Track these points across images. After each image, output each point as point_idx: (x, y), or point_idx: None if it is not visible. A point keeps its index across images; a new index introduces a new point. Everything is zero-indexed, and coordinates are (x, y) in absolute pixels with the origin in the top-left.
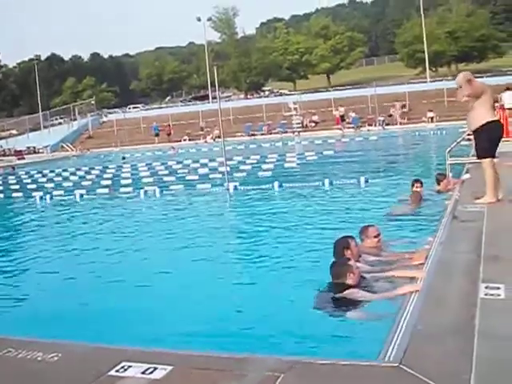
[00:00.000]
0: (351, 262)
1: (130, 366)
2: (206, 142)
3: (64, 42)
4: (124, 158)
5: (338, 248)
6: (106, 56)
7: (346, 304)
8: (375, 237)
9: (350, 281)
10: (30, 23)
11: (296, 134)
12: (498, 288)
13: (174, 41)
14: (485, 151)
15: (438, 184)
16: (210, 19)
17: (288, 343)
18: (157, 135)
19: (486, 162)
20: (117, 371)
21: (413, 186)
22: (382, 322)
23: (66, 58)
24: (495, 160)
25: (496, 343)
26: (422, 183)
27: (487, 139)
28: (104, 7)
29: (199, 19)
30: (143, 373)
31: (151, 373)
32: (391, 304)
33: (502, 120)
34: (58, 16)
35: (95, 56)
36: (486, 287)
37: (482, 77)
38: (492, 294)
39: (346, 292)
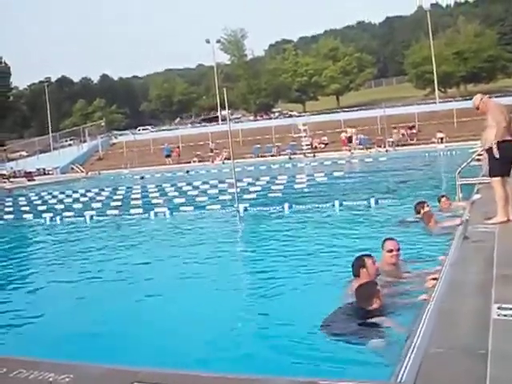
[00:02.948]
0: (378, 287)
1: None
2: (213, 162)
3: (74, 65)
4: (142, 178)
5: (355, 266)
6: (115, 78)
7: (359, 324)
8: (389, 251)
9: (374, 306)
10: (41, 46)
11: (312, 155)
12: (511, 309)
13: (183, 62)
14: (495, 170)
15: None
16: (219, 41)
17: (299, 364)
18: (168, 156)
19: (496, 181)
20: None
21: (423, 208)
22: (395, 343)
23: (76, 80)
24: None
25: (509, 364)
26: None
27: (501, 157)
28: (113, 29)
29: (208, 41)
30: None
31: None
32: (403, 325)
33: None
34: (68, 39)
35: (105, 78)
36: (499, 308)
37: (490, 97)
38: (505, 315)
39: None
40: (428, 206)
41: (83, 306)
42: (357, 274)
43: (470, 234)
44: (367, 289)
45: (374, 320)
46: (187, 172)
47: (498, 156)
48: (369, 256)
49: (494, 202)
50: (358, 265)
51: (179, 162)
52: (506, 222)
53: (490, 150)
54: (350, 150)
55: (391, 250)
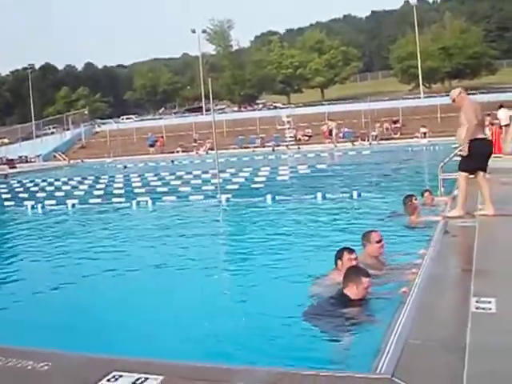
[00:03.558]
0: (364, 279)
1: (120, 376)
2: (197, 153)
3: (58, 52)
4: (125, 167)
5: (335, 256)
6: (100, 66)
7: (339, 315)
8: (377, 242)
9: (350, 293)
10: (25, 32)
11: (296, 147)
12: (489, 302)
13: (169, 52)
14: (464, 165)
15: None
16: (204, 31)
17: (278, 354)
18: (152, 146)
19: (463, 175)
20: (108, 381)
21: (411, 201)
22: (374, 335)
23: (60, 67)
24: (487, 176)
25: (487, 357)
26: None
27: (472, 155)
28: (98, 17)
29: (194, 31)
30: (134, 383)
31: (142, 383)
32: (383, 317)
33: (493, 136)
34: (53, 26)
35: (89, 66)
36: (477, 301)
37: (475, 93)
38: (483, 308)
39: (347, 310)
40: (416, 199)
41: (62, 294)
42: (336, 264)
43: (450, 228)
44: (353, 272)
45: (355, 310)
46: (172, 162)
47: (465, 154)
48: (350, 250)
49: (475, 196)
50: (337, 255)
51: (163, 152)
52: (461, 216)
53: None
54: (333, 143)
55: (380, 241)
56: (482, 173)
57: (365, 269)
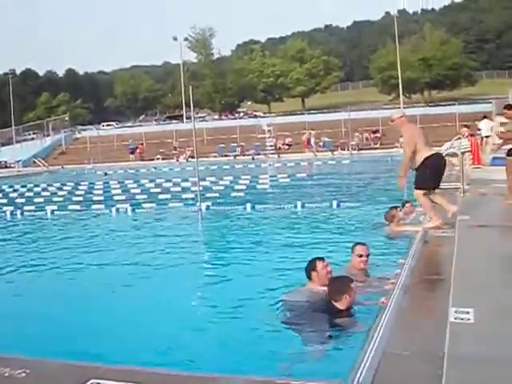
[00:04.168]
0: (352, 285)
1: None
2: (178, 161)
3: (39, 58)
4: (106, 174)
5: (307, 269)
6: (81, 72)
7: (322, 326)
8: (359, 256)
9: (340, 304)
10: (6, 38)
11: (276, 155)
12: (468, 312)
13: (150, 59)
14: (419, 183)
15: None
16: (186, 39)
17: (257, 363)
18: (132, 153)
19: (418, 192)
20: None
21: (393, 211)
22: (353, 345)
23: (41, 73)
24: (467, 187)
25: (465, 367)
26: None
27: (427, 172)
28: (79, 23)
29: (175, 39)
30: None
31: None
32: (363, 327)
33: (473, 147)
34: (34, 31)
35: (70, 72)
36: (456, 311)
37: (454, 104)
38: (462, 319)
39: (330, 321)
40: (400, 210)
41: (40, 301)
42: (309, 277)
43: (429, 238)
44: (341, 283)
45: (337, 321)
46: (155, 168)
47: (432, 169)
48: (321, 259)
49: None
50: (310, 268)
51: (143, 159)
52: (439, 226)
53: (419, 169)
54: (313, 152)
55: (361, 255)
56: (433, 191)
57: (345, 275)
